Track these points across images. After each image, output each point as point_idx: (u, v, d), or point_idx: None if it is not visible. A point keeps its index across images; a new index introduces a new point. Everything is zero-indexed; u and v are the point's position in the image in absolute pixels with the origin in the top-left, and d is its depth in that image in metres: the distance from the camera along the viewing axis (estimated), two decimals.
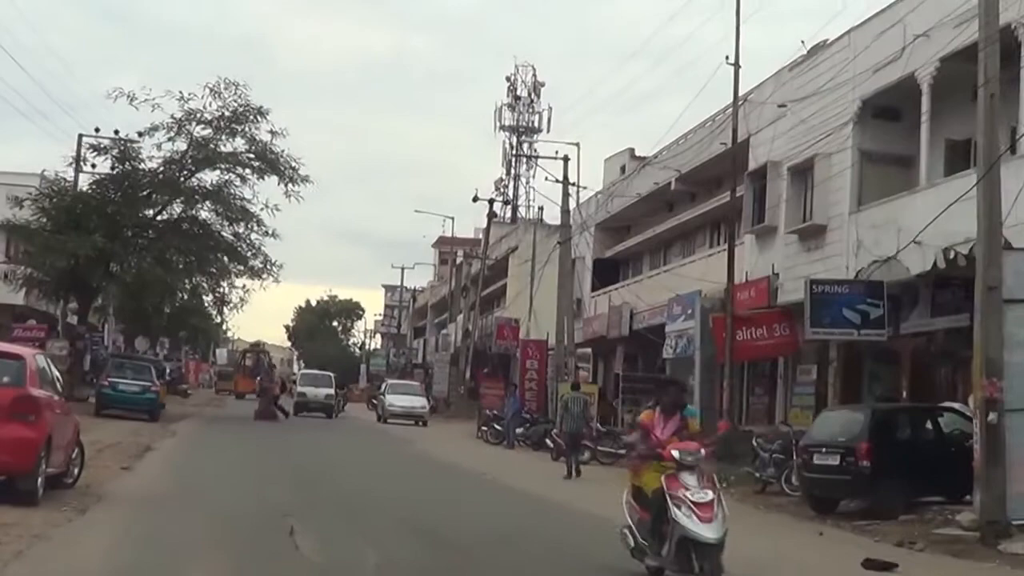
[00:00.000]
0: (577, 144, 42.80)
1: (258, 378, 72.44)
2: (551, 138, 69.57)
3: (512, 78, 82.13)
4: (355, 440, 35.22)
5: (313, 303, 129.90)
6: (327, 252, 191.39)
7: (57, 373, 15.61)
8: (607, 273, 45.42)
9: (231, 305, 46.28)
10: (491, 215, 56.11)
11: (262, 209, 39.63)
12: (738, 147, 29.73)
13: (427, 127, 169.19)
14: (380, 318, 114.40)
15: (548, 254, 46.01)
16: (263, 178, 40.07)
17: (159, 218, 40.45)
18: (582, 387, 31.76)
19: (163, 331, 53.74)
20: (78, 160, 38.95)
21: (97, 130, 39.29)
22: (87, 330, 41.11)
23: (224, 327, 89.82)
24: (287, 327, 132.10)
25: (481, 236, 71.83)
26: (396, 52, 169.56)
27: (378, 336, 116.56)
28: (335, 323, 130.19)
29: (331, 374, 54.16)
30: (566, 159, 39.15)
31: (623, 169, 46.64)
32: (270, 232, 40.64)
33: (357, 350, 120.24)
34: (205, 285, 44.55)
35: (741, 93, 29.81)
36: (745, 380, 32.70)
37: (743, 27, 34.05)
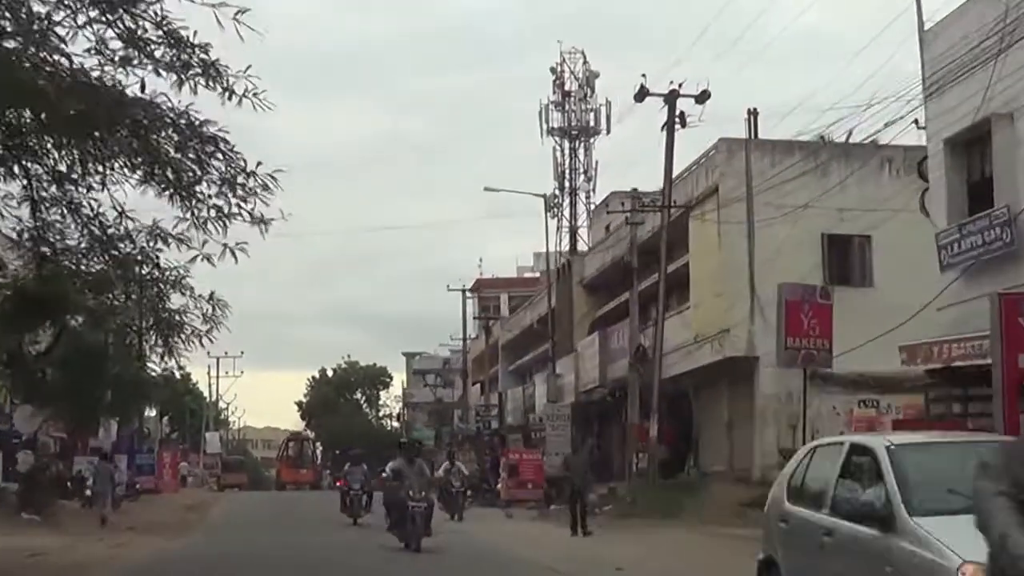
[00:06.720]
0: None
1: (302, 469, 65.63)
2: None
3: (558, 68, 58.14)
4: None
5: (329, 373, 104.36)
6: (334, 337, 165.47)
7: None
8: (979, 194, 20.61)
9: (191, 333, 19.09)
10: (673, 115, 30.21)
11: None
12: None
13: (426, 205, 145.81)
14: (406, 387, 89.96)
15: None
16: None
17: None
18: None
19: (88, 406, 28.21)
20: None
21: None
22: None
23: (214, 401, 67.47)
24: (299, 403, 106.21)
25: (534, 274, 47.05)
26: (391, 135, 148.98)
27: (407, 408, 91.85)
28: (358, 394, 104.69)
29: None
30: None
31: None
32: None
33: (393, 423, 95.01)
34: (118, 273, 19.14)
35: None
36: None
37: None
